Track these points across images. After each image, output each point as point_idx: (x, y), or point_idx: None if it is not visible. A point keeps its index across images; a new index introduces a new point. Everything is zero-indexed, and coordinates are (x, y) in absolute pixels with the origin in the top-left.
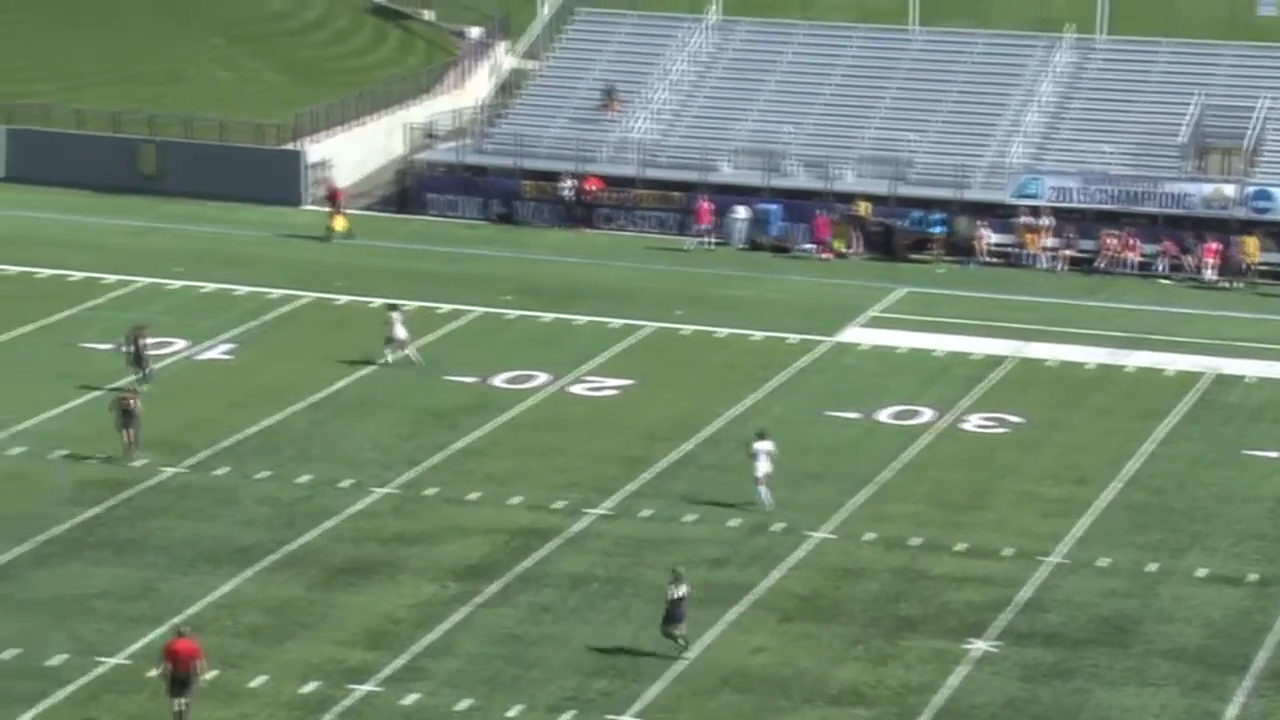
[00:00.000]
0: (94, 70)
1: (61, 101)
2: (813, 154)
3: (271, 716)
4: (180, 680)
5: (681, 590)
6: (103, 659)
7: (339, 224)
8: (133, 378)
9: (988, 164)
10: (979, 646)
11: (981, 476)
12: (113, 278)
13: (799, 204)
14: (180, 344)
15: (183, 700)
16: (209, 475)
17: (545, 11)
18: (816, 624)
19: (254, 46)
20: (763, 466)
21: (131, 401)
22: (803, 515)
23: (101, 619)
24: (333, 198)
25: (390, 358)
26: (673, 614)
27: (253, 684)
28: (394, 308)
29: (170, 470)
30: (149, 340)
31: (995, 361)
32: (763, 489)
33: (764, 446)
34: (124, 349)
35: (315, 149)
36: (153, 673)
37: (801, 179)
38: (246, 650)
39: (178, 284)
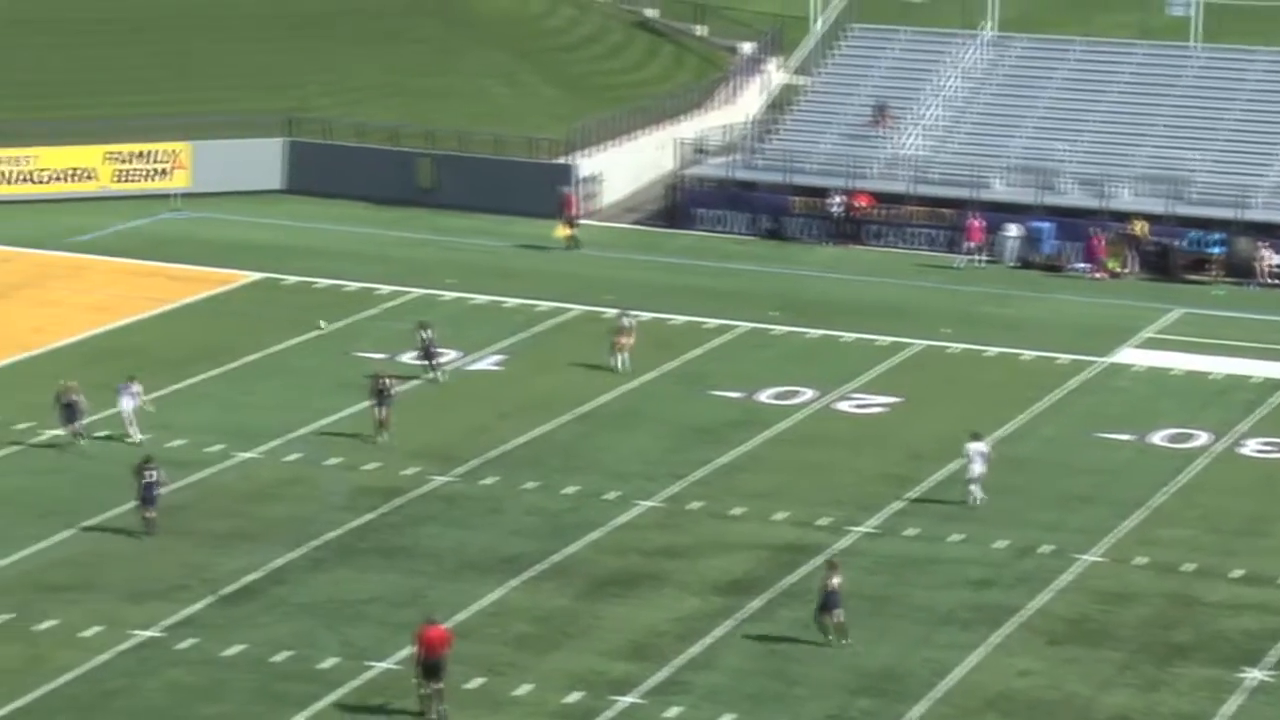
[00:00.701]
0: (374, 85)
1: (341, 115)
2: (1088, 172)
3: None
4: (431, 666)
5: (836, 581)
6: (372, 663)
7: (562, 232)
8: (423, 368)
9: (1270, 184)
10: (1254, 675)
11: (1260, 502)
12: (387, 288)
13: (1072, 222)
14: (451, 354)
15: (433, 686)
16: (477, 484)
17: (818, 27)
18: (1085, 648)
19: (529, 62)
20: (977, 468)
21: (387, 381)
22: (1072, 538)
23: (372, 624)
24: (565, 207)
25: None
26: (827, 602)
27: (517, 692)
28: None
29: (440, 479)
30: (430, 334)
31: (1275, 385)
32: (973, 488)
33: (978, 448)
34: (421, 334)
35: (586, 163)
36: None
37: (1076, 197)
38: (512, 659)
39: (450, 295)
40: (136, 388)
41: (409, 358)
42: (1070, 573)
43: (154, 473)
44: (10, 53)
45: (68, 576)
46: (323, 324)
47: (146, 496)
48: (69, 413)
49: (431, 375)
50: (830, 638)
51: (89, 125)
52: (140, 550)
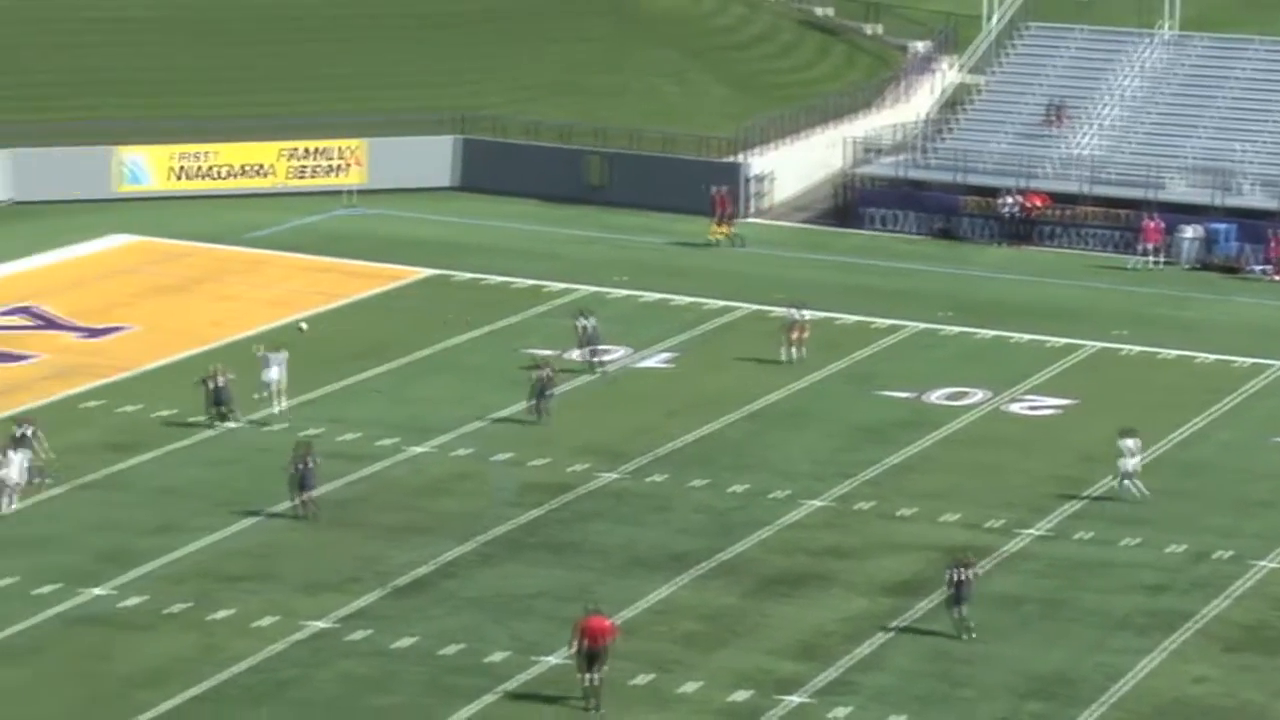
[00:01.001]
0: (546, 84)
1: (514, 114)
2: (1269, 173)
3: None
4: (592, 656)
5: (966, 574)
6: (541, 658)
7: (716, 232)
8: (584, 359)
9: None
10: None
11: None
12: (558, 285)
13: (1252, 224)
14: (621, 352)
15: (594, 675)
16: (645, 482)
17: (993, 25)
18: (1263, 655)
19: (700, 60)
20: (1129, 463)
21: (546, 373)
22: (1249, 543)
23: (540, 619)
24: (717, 207)
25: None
26: (957, 596)
27: (684, 689)
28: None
29: (609, 475)
30: (591, 322)
31: None
32: (1128, 483)
33: (1128, 444)
34: (581, 323)
35: (756, 162)
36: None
37: (1256, 198)
38: (679, 656)
39: (620, 293)
40: (284, 355)
41: (576, 355)
42: (1247, 579)
43: (310, 460)
44: (191, 50)
45: (243, 567)
46: (303, 326)
47: (304, 483)
48: (217, 395)
49: (592, 365)
50: (963, 634)
51: (267, 122)
52: (314, 542)
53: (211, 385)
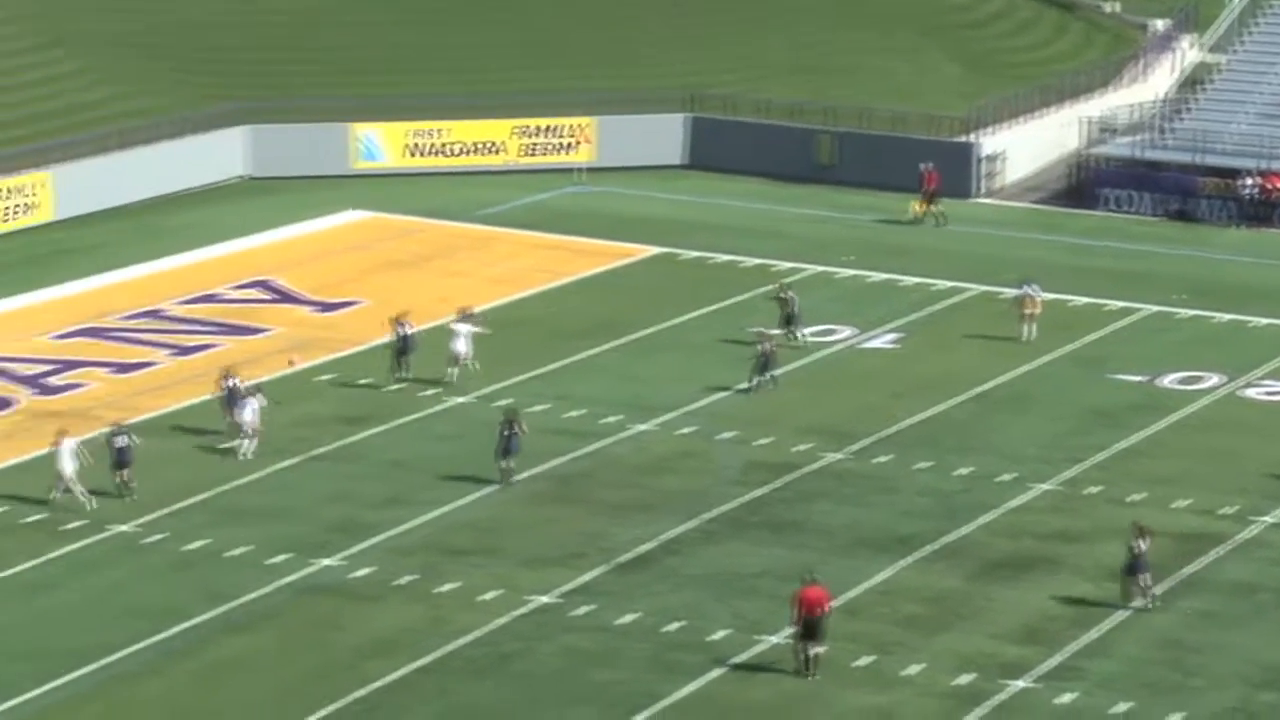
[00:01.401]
0: (777, 62)
1: (744, 91)
2: None
3: (924, 705)
4: (809, 625)
5: (1144, 545)
6: (762, 637)
7: (919, 208)
8: (785, 335)
9: None
10: None
11: None
12: (784, 264)
13: None
14: (846, 332)
15: (812, 647)
16: (870, 463)
17: (1235, 4)
18: None
19: (933, 39)
20: None
21: (768, 347)
22: None
23: (762, 597)
24: (925, 183)
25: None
26: (1134, 566)
27: (907, 671)
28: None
29: (832, 456)
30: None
31: None
32: None
33: None
34: (782, 297)
35: (989, 141)
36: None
37: None
38: (902, 638)
39: (847, 273)
40: (472, 327)
41: (806, 332)
42: None
43: (516, 426)
44: (425, 29)
45: (469, 540)
46: (294, 360)
47: (507, 448)
48: (403, 344)
49: (793, 341)
50: (1137, 601)
51: (499, 100)
52: (538, 517)
53: (399, 334)
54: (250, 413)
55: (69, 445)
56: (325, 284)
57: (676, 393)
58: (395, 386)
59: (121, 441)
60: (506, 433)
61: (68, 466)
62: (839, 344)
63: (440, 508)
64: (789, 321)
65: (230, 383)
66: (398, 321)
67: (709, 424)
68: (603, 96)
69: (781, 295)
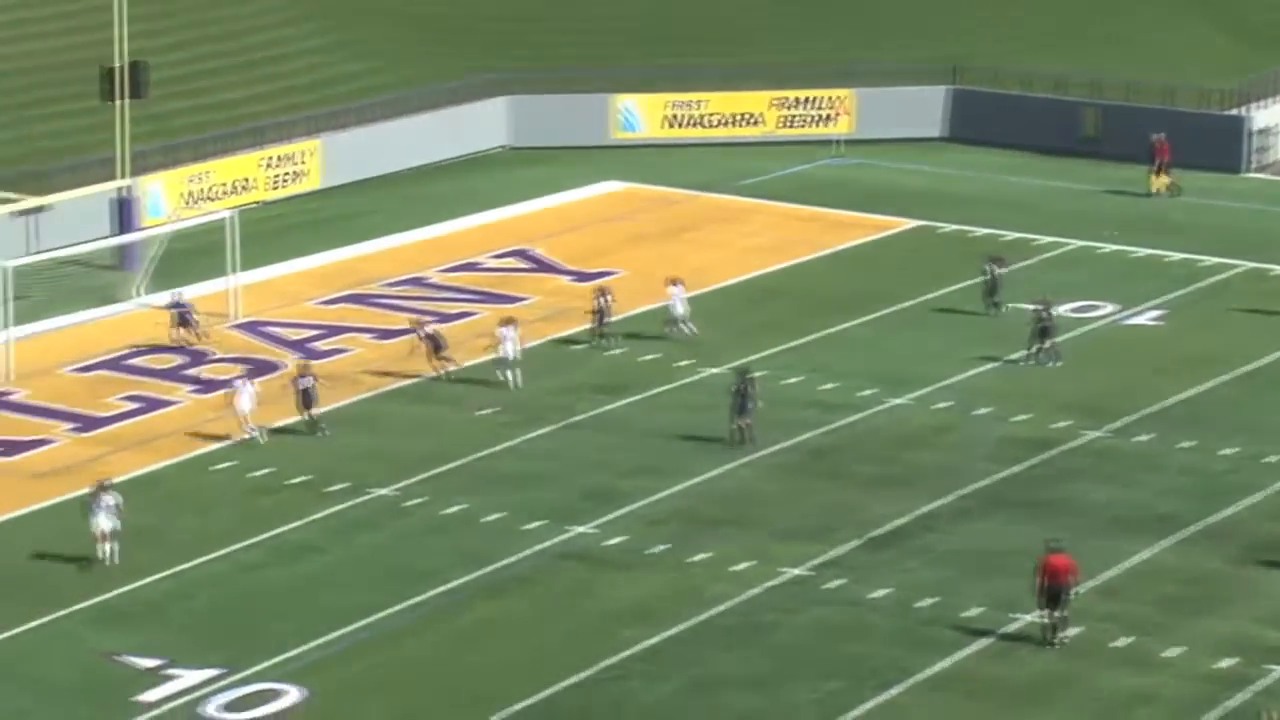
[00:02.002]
0: (1043, 32)
1: (1007, 63)
2: None
3: (1184, 688)
4: (1053, 593)
5: None
6: (1017, 615)
7: (1158, 182)
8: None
9: None
10: None
11: None
12: (1045, 239)
13: None
14: (1108, 308)
15: (1056, 614)
16: (1130, 441)
17: None
18: None
19: (1205, 9)
20: None
21: (1045, 312)
22: None
23: (1016, 576)
24: (1157, 154)
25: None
26: None
27: (1167, 654)
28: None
29: (1091, 434)
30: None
31: None
32: None
33: None
34: (990, 268)
35: (1261, 115)
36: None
37: None
38: (1162, 620)
39: (1109, 248)
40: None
41: (1066, 309)
42: None
43: (747, 385)
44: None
45: (720, 511)
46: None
47: (742, 407)
48: (600, 317)
49: (989, 310)
50: None
51: (757, 71)
52: (790, 489)
53: (599, 304)
54: (248, 399)
55: (249, 389)
56: (582, 254)
57: (933, 367)
58: (614, 351)
59: (306, 383)
60: (741, 390)
61: (245, 405)
62: (1101, 320)
63: (692, 478)
64: (991, 291)
65: (426, 330)
66: (599, 292)
67: (965, 399)
68: (863, 68)
69: (987, 267)
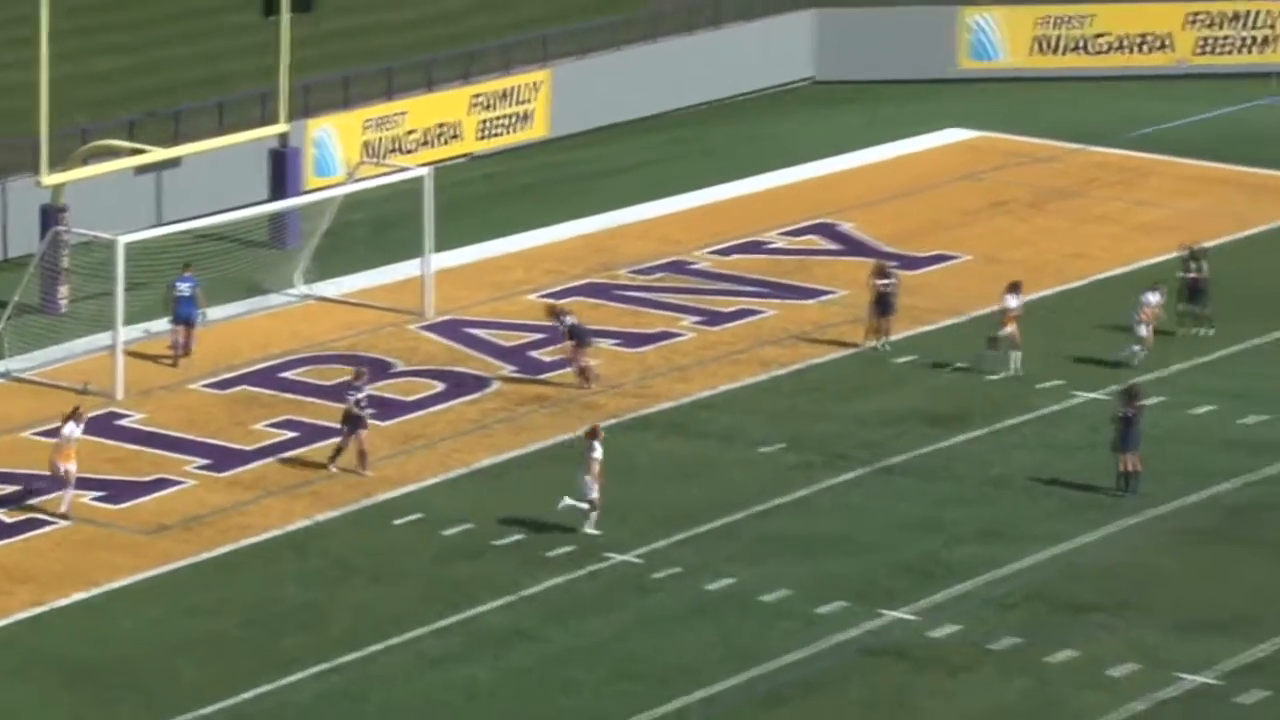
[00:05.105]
0: None
1: None
2: None
3: None
4: None
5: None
6: None
7: None
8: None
9: None
10: None
11: None
12: None
13: None
14: None
15: None
16: None
17: None
18: None
19: None
20: None
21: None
22: None
23: None
24: None
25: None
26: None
27: None
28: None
29: None
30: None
31: None
32: None
33: None
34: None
35: None
36: None
37: None
38: None
39: None
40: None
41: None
42: None
43: (1135, 408)
44: None
45: (1095, 592)
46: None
47: (1124, 438)
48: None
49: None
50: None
51: None
52: (1195, 562)
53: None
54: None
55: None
56: (910, 230)
57: None
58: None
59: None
60: (1127, 418)
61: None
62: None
63: (1056, 545)
64: (1192, 297)
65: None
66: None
67: None
68: None
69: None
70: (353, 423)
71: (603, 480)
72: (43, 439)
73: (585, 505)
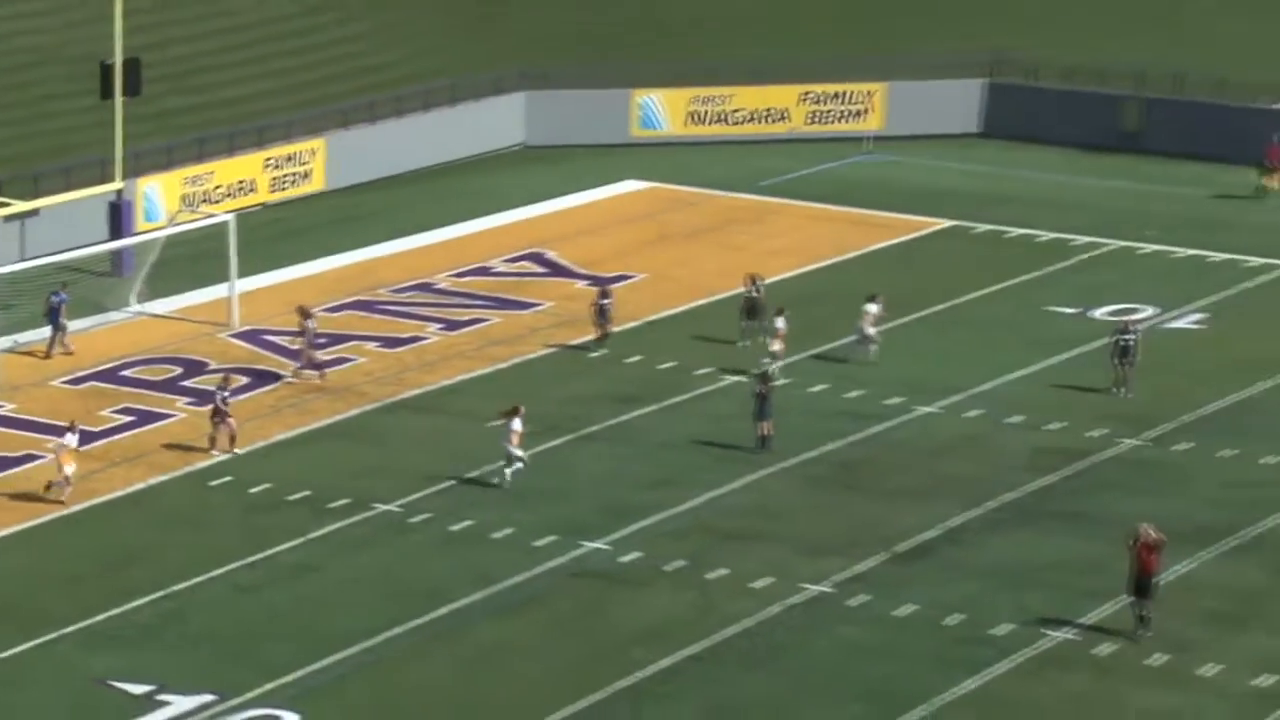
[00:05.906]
0: (1083, 21)
1: (1047, 56)
2: None
3: (1220, 708)
4: (1142, 585)
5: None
6: (1049, 632)
7: (1271, 182)
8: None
9: None
10: None
11: None
12: (1083, 239)
13: None
14: (1148, 311)
15: (1144, 605)
16: (1169, 450)
17: None
18: None
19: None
20: None
21: (1129, 339)
22: None
23: (1049, 590)
24: (1270, 156)
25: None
26: None
27: (1204, 671)
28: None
29: (1129, 442)
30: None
31: None
32: None
33: None
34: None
35: None
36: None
37: None
38: (1199, 636)
39: (1149, 248)
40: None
41: (1102, 312)
42: None
43: (767, 387)
44: None
45: (741, 525)
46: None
47: (761, 411)
48: (751, 306)
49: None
50: None
51: (785, 65)
52: (813, 502)
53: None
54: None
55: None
56: (599, 257)
57: (964, 374)
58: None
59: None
60: (761, 394)
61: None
62: (1140, 324)
63: (712, 490)
64: (750, 314)
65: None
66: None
67: (997, 408)
68: (894, 61)
69: (750, 292)
70: (220, 415)
71: (523, 443)
72: None
73: (520, 464)
